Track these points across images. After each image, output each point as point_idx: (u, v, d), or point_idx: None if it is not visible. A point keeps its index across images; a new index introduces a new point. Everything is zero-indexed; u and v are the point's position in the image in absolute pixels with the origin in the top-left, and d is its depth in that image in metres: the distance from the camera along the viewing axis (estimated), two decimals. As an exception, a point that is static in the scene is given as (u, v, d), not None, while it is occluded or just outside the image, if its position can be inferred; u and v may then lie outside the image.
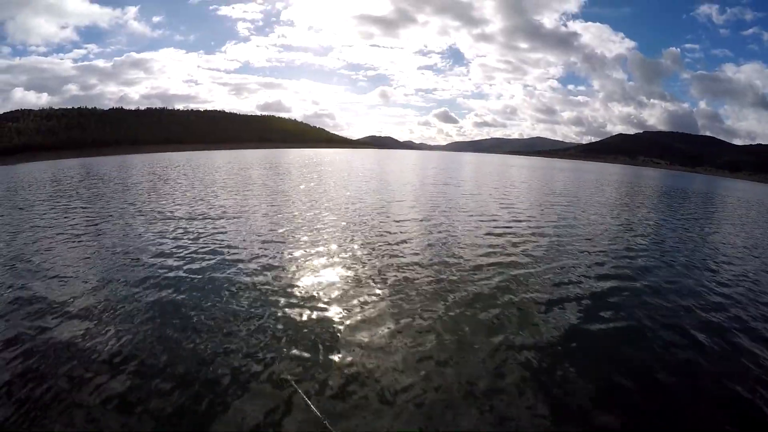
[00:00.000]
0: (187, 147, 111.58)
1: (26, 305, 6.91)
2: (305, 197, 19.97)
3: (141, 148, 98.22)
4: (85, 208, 16.25)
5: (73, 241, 11.09)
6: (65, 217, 14.27)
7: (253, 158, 63.27)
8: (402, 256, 10.13)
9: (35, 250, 10.24)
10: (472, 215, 16.35)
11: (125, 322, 6.22)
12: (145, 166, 42.05)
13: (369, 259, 9.79)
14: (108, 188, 23.45)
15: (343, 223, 13.79)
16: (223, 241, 11.19)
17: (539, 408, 4.55)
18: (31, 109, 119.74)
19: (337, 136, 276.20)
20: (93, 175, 32.38)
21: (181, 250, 10.19)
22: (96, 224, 13.18)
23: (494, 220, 15.32)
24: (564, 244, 12.16)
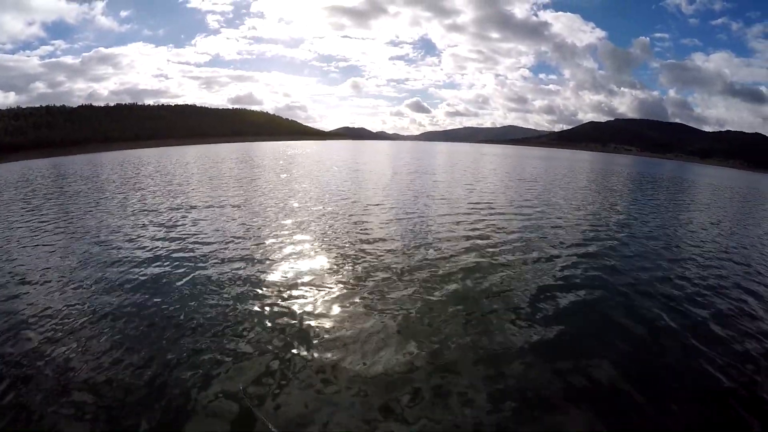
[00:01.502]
0: (159, 143, 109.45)
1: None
2: (279, 189, 20.23)
3: (112, 146, 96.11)
4: (57, 209, 16.18)
5: (45, 242, 11.12)
6: (36, 218, 14.21)
7: (226, 152, 62.47)
8: (374, 243, 10.53)
9: (8, 250, 10.39)
10: (444, 202, 16.96)
11: (94, 320, 6.29)
12: (115, 164, 41.32)
13: (342, 247, 10.09)
14: (79, 188, 23.02)
15: (318, 212, 14.19)
16: (195, 234, 11.54)
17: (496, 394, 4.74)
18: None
19: (310, 128, 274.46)
20: (63, 176, 31.51)
21: (154, 245, 10.45)
22: (66, 225, 13.16)
23: (465, 207, 15.98)
24: (535, 228, 12.88)
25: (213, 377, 4.88)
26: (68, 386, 4.71)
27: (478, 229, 12.16)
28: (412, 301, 7.01)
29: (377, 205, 15.90)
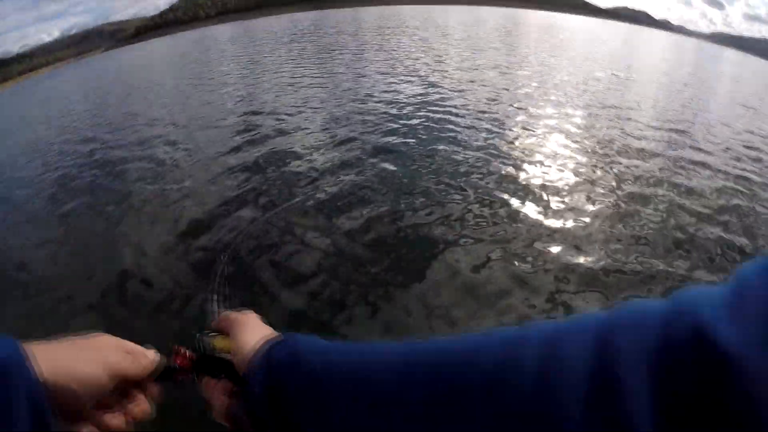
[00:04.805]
0: (409, 2, 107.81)
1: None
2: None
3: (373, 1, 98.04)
4: (319, 58, 16.41)
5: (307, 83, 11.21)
6: (300, 63, 15.09)
7: (495, 17, 53.05)
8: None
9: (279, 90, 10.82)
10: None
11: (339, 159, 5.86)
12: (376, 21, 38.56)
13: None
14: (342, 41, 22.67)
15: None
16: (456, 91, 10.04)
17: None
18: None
19: (582, 1, 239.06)
20: (326, 30, 31.59)
21: (407, 100, 9.24)
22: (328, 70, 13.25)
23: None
24: None
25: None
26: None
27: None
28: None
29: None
